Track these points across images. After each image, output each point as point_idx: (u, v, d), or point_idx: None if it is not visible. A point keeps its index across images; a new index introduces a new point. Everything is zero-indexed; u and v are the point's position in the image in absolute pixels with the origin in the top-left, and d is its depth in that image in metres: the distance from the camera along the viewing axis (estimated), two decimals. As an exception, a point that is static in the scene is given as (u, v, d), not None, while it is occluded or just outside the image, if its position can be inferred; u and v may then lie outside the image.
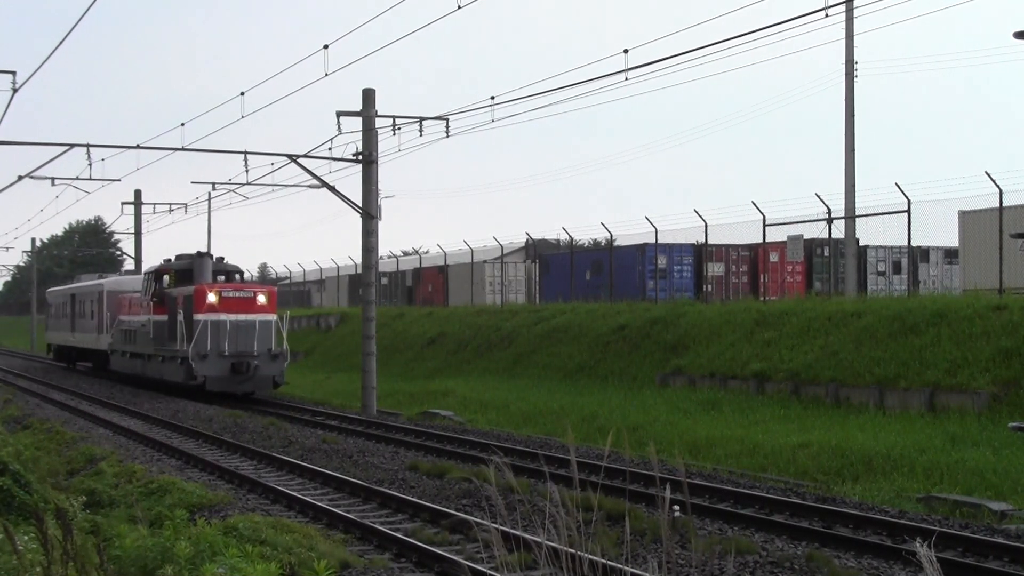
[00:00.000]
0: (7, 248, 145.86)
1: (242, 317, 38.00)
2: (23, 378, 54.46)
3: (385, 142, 56.45)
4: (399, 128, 35.20)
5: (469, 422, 31.16)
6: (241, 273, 42.79)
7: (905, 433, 22.71)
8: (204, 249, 52.65)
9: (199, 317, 37.85)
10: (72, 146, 37.59)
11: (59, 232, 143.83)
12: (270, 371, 38.09)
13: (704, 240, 44.61)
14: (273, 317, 38.51)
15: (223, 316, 37.72)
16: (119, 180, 49.54)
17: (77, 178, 43.93)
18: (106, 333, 50.88)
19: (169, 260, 43.39)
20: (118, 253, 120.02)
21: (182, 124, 40.25)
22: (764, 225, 40.05)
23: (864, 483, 19.39)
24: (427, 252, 79.10)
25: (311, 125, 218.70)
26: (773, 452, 22.21)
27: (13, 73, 32.39)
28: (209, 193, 72.79)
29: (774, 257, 47.73)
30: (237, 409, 35.64)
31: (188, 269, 41.51)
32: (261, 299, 38.56)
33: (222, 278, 41.36)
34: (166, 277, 42.67)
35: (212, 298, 37.90)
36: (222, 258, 42.84)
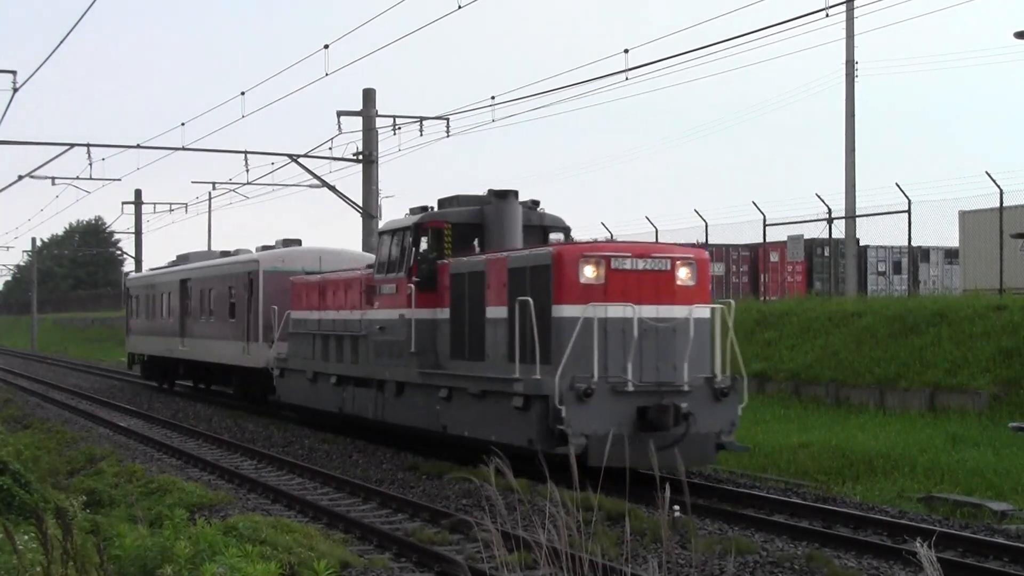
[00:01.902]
0: (7, 248, 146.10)
1: (658, 311, 19.30)
2: (23, 378, 54.45)
3: (385, 142, 56.36)
4: (399, 128, 35.25)
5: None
6: (568, 231, 24.19)
7: (905, 433, 22.71)
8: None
9: (566, 311, 18.83)
10: (72, 146, 37.64)
11: (59, 232, 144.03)
12: (712, 423, 19.10)
13: (704, 240, 44.60)
14: (707, 311, 19.79)
15: (620, 310, 18.79)
16: (119, 180, 49.64)
17: (77, 178, 44.10)
18: (261, 341, 32.64)
19: (425, 208, 23.61)
20: (118, 253, 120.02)
21: (182, 124, 40.23)
22: (764, 225, 40.07)
23: (864, 483, 19.39)
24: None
25: (311, 125, 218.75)
26: (773, 452, 22.20)
27: (13, 73, 32.45)
28: (209, 193, 72.74)
29: (774, 257, 47.74)
30: (237, 409, 35.62)
31: (475, 223, 22.89)
32: (684, 275, 19.55)
33: (536, 238, 23.18)
34: (426, 237, 23.12)
35: (590, 272, 18.94)
36: (536, 202, 23.77)
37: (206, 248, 48.52)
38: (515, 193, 22.99)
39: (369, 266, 26.30)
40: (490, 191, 23.12)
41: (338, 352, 26.87)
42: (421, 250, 22.94)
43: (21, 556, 8.72)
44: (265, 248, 35.51)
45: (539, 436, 18.50)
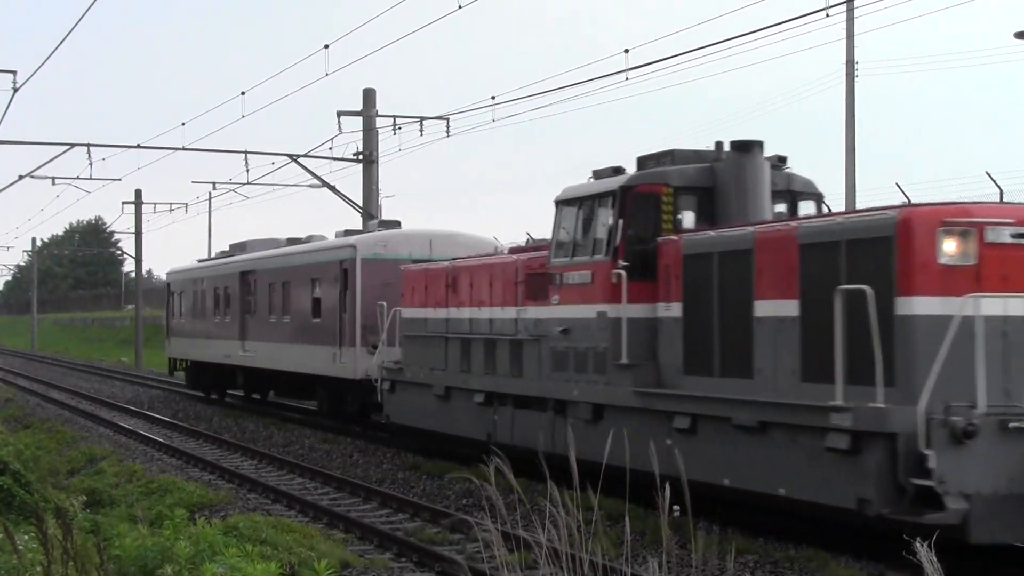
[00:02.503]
0: (7, 248, 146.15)
1: None
2: (23, 378, 54.45)
3: (385, 142, 56.36)
4: (399, 128, 35.26)
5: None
6: (821, 198, 18.36)
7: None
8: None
9: (921, 306, 12.98)
10: (72, 146, 37.66)
11: (59, 232, 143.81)
12: None
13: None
14: None
15: (1002, 305, 13.00)
16: (119, 180, 49.57)
17: (78, 178, 44.06)
18: (359, 346, 26.95)
19: (618, 169, 17.84)
20: (118, 253, 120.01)
21: (182, 124, 40.15)
22: (765, 225, 39.93)
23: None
24: (427, 252, 78.63)
25: (311, 125, 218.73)
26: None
27: (13, 73, 32.46)
28: (210, 193, 72.68)
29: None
30: (237, 409, 35.62)
31: (704, 186, 17.21)
32: None
33: (782, 208, 17.74)
34: (637, 205, 16.99)
35: (953, 247, 13.07)
36: (782, 159, 17.90)
37: (264, 237, 37.53)
38: (760, 145, 17.03)
39: (515, 250, 21.74)
40: (721, 143, 17.40)
41: (486, 361, 20.44)
42: (629, 223, 16.72)
43: (21, 556, 8.73)
44: (349, 232, 29.51)
45: (879, 494, 12.55)
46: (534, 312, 19.02)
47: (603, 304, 17.01)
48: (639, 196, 16.75)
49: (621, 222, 16.64)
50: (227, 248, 40.57)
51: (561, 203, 18.29)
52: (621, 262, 16.52)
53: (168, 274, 44.99)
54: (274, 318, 32.40)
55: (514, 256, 20.88)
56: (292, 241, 33.63)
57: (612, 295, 16.68)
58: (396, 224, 29.73)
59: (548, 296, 18.41)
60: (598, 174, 17.90)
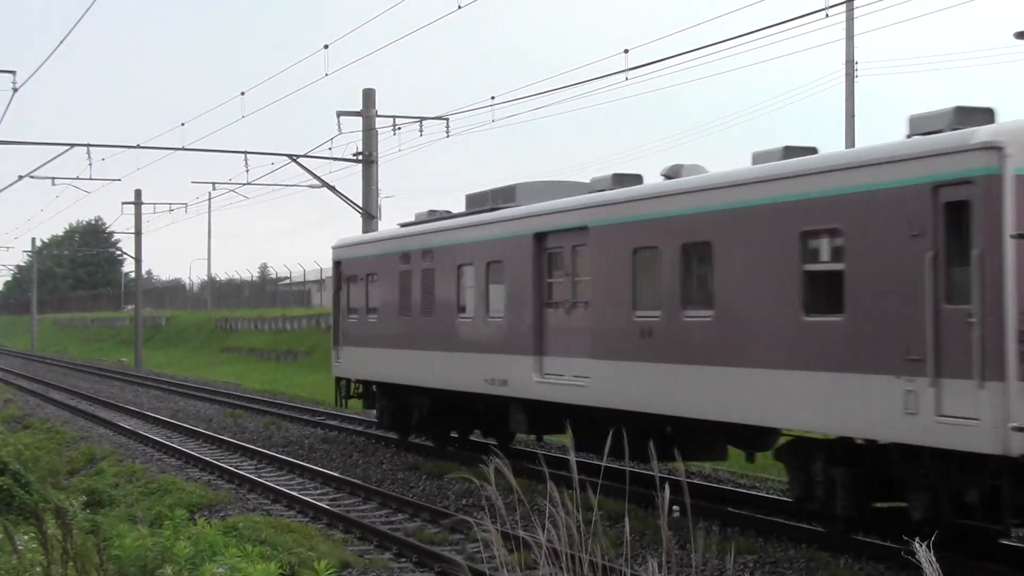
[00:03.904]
0: (7, 248, 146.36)
1: None
2: (23, 378, 54.45)
3: (385, 142, 56.38)
4: (399, 128, 35.20)
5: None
6: None
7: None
8: None
9: None
10: (72, 146, 37.63)
11: (59, 232, 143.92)
12: None
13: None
14: None
15: None
16: (119, 180, 49.60)
17: (77, 178, 44.00)
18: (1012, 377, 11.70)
19: None
20: (118, 253, 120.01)
21: (182, 124, 40.20)
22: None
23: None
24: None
25: (311, 125, 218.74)
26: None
27: (13, 73, 32.45)
28: (209, 193, 72.84)
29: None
30: (237, 409, 35.62)
31: None
32: None
33: None
34: None
35: None
36: None
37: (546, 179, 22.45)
38: None
39: None
40: None
41: None
42: None
43: (21, 556, 8.73)
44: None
45: None
46: None
47: None
48: None
49: None
50: (424, 212, 25.21)
51: None
52: None
53: (337, 249, 27.99)
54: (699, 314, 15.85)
55: None
56: (621, 180, 18.56)
57: None
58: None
59: None
60: None
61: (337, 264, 27.81)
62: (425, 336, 23.04)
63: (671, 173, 17.30)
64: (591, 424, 17.17)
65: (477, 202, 22.60)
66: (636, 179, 18.66)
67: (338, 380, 27.71)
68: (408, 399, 24.40)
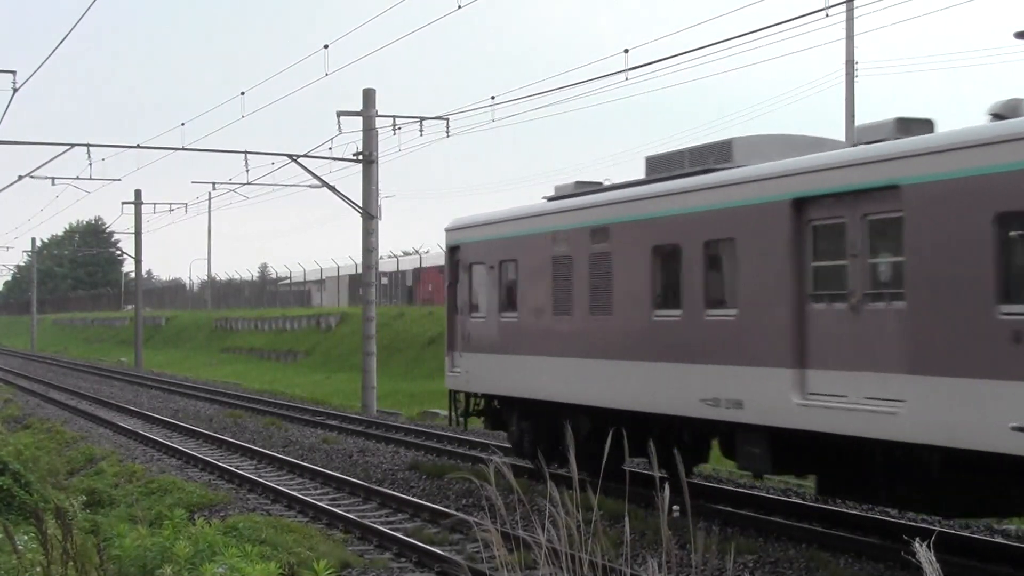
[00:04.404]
0: (7, 248, 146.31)
1: None
2: (23, 378, 54.46)
3: (385, 142, 56.39)
4: (399, 128, 35.22)
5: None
6: None
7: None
8: None
9: None
10: (72, 146, 37.63)
11: (59, 232, 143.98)
12: None
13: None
14: None
15: None
16: (119, 180, 49.61)
17: (77, 178, 44.01)
18: None
19: None
20: (118, 253, 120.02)
21: (182, 124, 40.19)
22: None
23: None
24: (427, 252, 79.03)
25: (311, 125, 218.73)
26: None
27: (13, 73, 32.44)
28: (209, 193, 72.83)
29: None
30: (237, 409, 35.64)
31: None
32: None
33: None
34: None
35: None
36: None
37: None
38: None
39: None
40: None
41: None
42: None
43: (21, 556, 8.73)
44: None
45: None
46: None
47: None
48: None
49: None
50: (568, 184, 20.21)
51: None
52: None
53: (453, 231, 22.54)
54: None
55: None
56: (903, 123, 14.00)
57: None
58: None
59: None
60: None
61: (452, 250, 22.33)
62: (595, 340, 17.71)
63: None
64: (898, 465, 13.13)
65: (666, 165, 17.28)
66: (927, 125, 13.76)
67: (453, 394, 22.36)
68: (560, 420, 18.40)
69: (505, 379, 20.33)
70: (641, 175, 17.92)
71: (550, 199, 20.07)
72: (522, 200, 25.69)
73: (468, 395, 21.89)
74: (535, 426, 19.74)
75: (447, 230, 22.73)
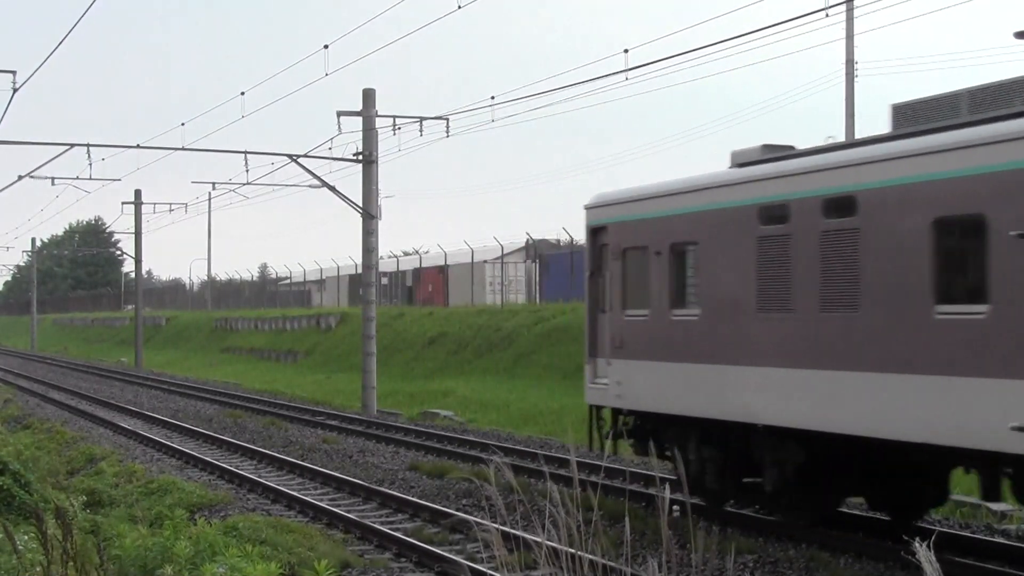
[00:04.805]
0: (7, 248, 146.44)
1: None
2: (23, 378, 54.46)
3: (385, 142, 56.44)
4: (399, 128, 35.25)
5: (469, 422, 31.16)
6: None
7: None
8: None
9: None
10: (72, 146, 37.62)
11: (59, 232, 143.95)
12: None
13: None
14: None
15: None
16: (119, 180, 49.63)
17: (77, 178, 44.00)
18: None
19: None
20: (118, 253, 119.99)
21: (182, 124, 40.31)
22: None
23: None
24: (427, 252, 79.14)
25: (311, 125, 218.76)
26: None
27: (13, 73, 32.44)
28: (209, 193, 72.86)
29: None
30: (237, 409, 35.64)
31: None
32: None
33: None
34: None
35: None
36: None
37: None
38: None
39: None
40: None
41: None
42: None
43: (21, 556, 8.73)
44: None
45: None
46: None
47: None
48: None
49: None
50: (752, 149, 16.10)
51: None
52: None
53: (595, 209, 18.42)
54: None
55: None
56: None
57: None
58: None
59: None
60: None
61: (595, 232, 18.17)
62: (830, 345, 13.67)
63: None
64: None
65: (926, 113, 13.48)
66: None
67: (595, 410, 18.06)
68: (755, 448, 15.02)
69: (678, 394, 16.08)
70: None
71: (739, 165, 15.63)
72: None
73: (616, 413, 17.62)
74: (720, 455, 15.62)
75: (588, 207, 18.43)
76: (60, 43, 48.71)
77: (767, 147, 15.62)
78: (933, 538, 5.68)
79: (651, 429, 16.89)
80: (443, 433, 27.34)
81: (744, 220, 14.86)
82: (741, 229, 14.90)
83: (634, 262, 17.12)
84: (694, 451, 15.91)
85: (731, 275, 15.15)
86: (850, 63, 40.99)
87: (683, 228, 16.11)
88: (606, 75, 26.68)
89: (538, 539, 5.99)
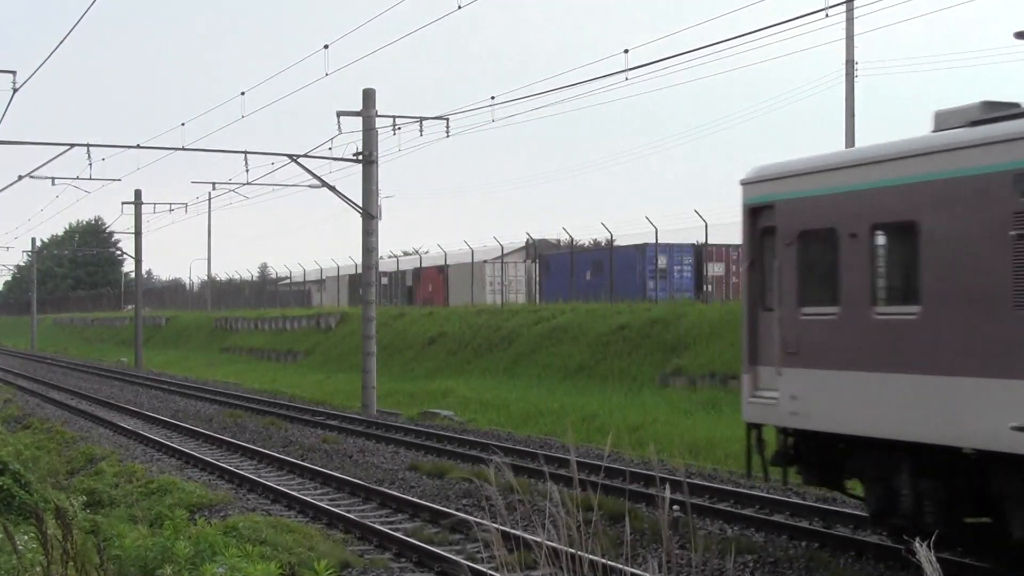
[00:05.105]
0: (7, 248, 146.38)
1: None
2: (23, 378, 54.46)
3: (385, 142, 56.42)
4: (399, 128, 35.25)
5: (469, 422, 31.16)
6: None
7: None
8: None
9: None
10: (72, 146, 37.61)
11: (59, 232, 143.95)
12: None
13: (704, 240, 44.61)
14: None
15: None
16: (119, 180, 49.56)
17: (77, 178, 43.96)
18: None
19: None
20: (118, 253, 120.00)
21: (182, 124, 40.30)
22: (766, 224, 39.44)
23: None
24: (427, 252, 79.12)
25: (311, 125, 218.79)
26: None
27: (13, 73, 32.42)
28: (209, 193, 72.82)
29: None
30: (237, 409, 35.64)
31: None
32: None
33: None
34: None
35: None
36: None
37: None
38: None
39: None
40: None
41: None
42: None
43: (21, 556, 8.73)
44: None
45: None
46: None
47: None
48: None
49: None
50: (971, 106, 13.05)
51: None
52: None
53: (755, 184, 14.98)
54: None
55: None
56: None
57: None
58: None
59: None
60: None
61: (756, 211, 14.94)
62: None
63: None
64: None
65: None
66: None
67: (754, 428, 15.09)
68: (997, 482, 12.06)
69: (885, 413, 12.84)
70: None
71: (974, 123, 12.40)
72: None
73: (785, 433, 14.45)
74: (948, 489, 12.55)
75: (746, 183, 15.08)
76: (60, 43, 48.73)
77: (988, 104, 12.64)
78: (933, 538, 5.67)
79: (831, 455, 13.98)
80: (443, 433, 27.34)
81: (993, 190, 11.62)
82: (988, 202, 11.68)
83: (816, 248, 13.93)
84: (907, 484, 12.83)
85: (972, 261, 11.88)
86: (850, 63, 40.99)
87: (893, 204, 12.84)
88: (606, 75, 26.67)
89: (538, 539, 5.99)
